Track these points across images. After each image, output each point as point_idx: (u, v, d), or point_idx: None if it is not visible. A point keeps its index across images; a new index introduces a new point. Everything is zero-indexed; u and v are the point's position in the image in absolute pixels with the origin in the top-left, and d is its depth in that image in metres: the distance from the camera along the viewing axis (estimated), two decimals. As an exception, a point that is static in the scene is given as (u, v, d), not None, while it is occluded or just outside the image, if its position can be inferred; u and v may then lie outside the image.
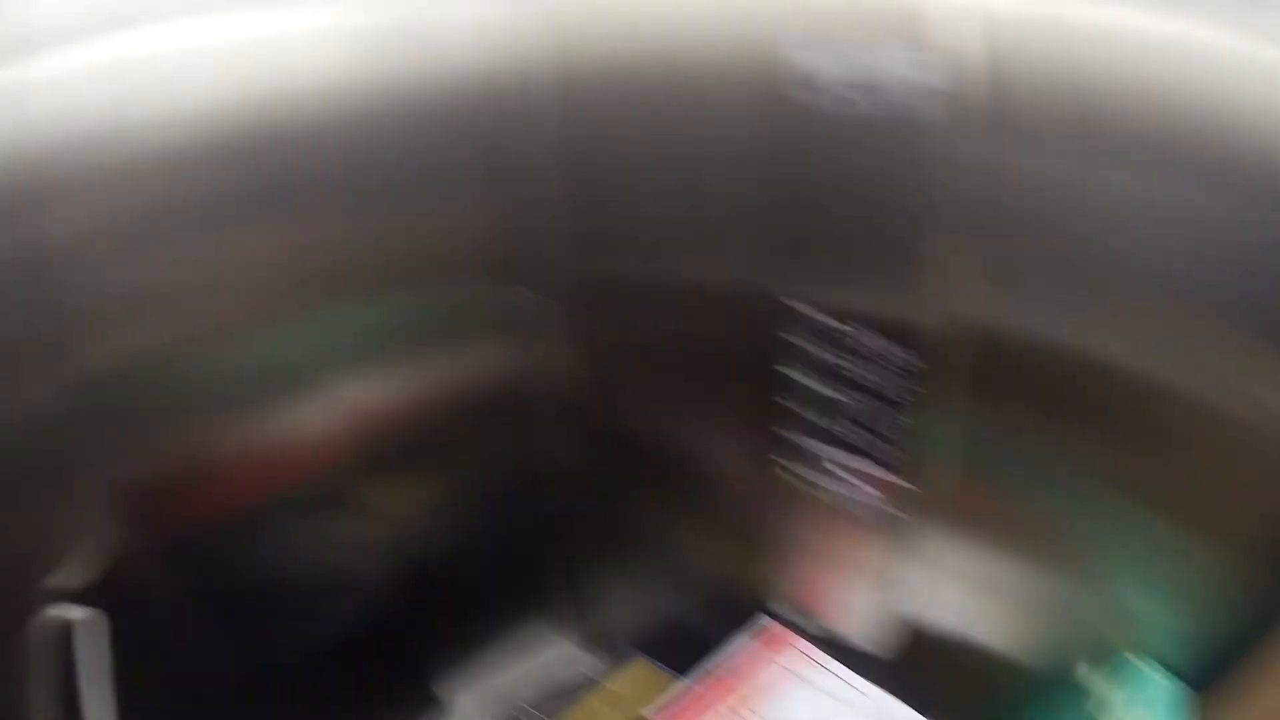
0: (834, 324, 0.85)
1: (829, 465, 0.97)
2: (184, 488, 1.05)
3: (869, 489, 0.94)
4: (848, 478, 0.95)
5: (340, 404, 1.12)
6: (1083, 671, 0.93)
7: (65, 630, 0.93)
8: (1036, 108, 0.69)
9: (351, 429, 1.14)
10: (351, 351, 1.09)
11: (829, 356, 0.87)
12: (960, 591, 0.98)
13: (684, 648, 1.32)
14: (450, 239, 1.10)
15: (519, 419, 1.34)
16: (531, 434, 1.38)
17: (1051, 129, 0.69)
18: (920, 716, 0.99)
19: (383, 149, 0.98)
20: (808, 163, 0.81)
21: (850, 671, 1.05)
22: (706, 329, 1.01)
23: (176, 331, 0.99)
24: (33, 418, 0.89)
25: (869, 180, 0.79)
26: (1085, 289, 0.74)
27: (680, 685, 1.16)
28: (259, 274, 1.00)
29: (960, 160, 0.73)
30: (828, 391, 0.91)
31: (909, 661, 1.04)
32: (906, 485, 0.89)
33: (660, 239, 1.02)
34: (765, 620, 1.16)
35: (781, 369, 0.93)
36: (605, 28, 0.98)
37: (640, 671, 1.33)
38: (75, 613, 0.93)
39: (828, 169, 0.80)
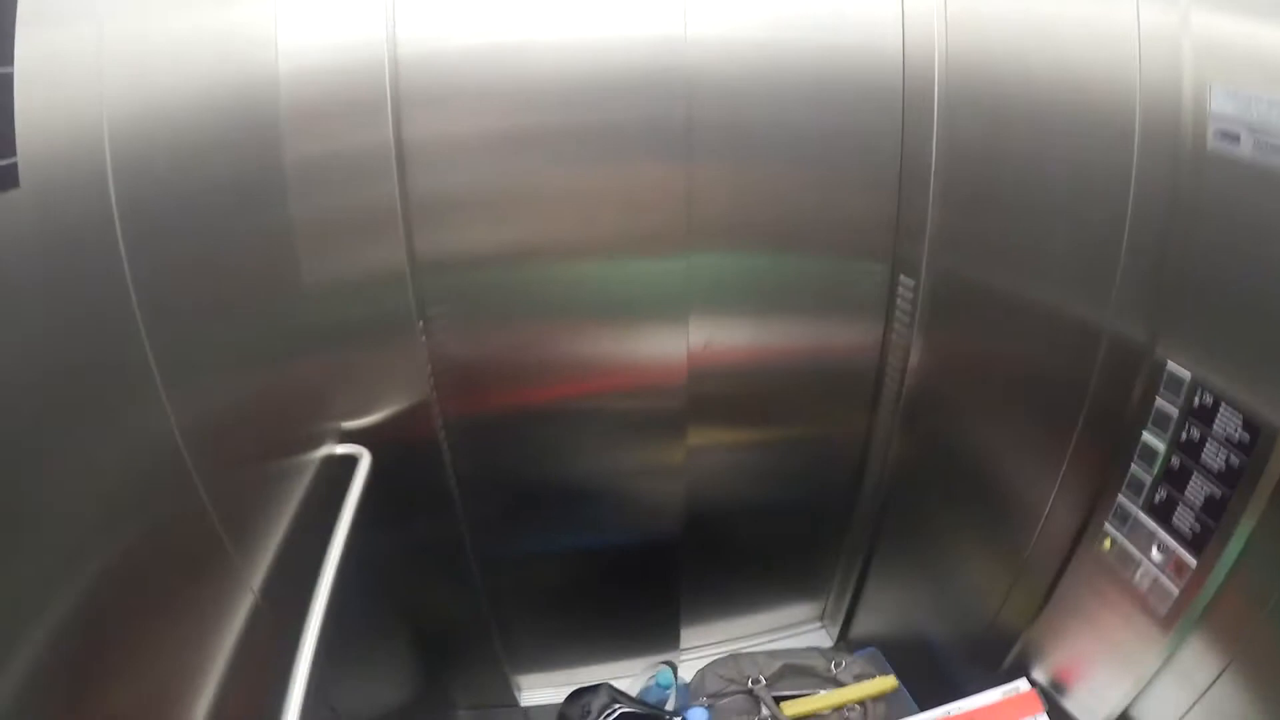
0: (1209, 396, 0.80)
1: (1150, 541, 0.91)
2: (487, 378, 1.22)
3: (1174, 578, 0.87)
4: (1161, 559, 0.89)
5: (685, 339, 1.25)
6: None
7: (343, 463, 1.04)
8: None
9: (694, 366, 1.28)
10: (725, 295, 1.23)
11: (1192, 429, 0.83)
12: (1182, 698, 0.85)
13: (930, 677, 1.30)
14: (841, 218, 1.21)
15: (861, 397, 1.43)
16: (871, 414, 1.45)
17: None
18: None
19: (806, 121, 1.12)
20: (1217, 216, 0.77)
21: None
22: (1060, 360, 0.99)
23: (532, 238, 1.12)
24: (382, 279, 1.04)
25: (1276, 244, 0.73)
26: None
27: (918, 715, 1.16)
28: (651, 206, 1.13)
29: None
30: (1177, 463, 0.86)
31: None
32: (1207, 585, 0.80)
33: (1032, 257, 1.02)
34: (1022, 683, 1.10)
35: (1139, 430, 0.89)
36: (1000, 39, 1.01)
37: (881, 685, 1.35)
38: (354, 449, 1.06)
39: (1234, 226, 0.76)
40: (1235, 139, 0.71)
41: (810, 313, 1.32)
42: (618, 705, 1.31)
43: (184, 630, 0.64)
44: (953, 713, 1.16)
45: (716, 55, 1.07)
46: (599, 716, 1.29)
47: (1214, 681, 0.84)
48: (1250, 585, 0.78)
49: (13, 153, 0.45)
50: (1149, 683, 0.94)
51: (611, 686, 1.38)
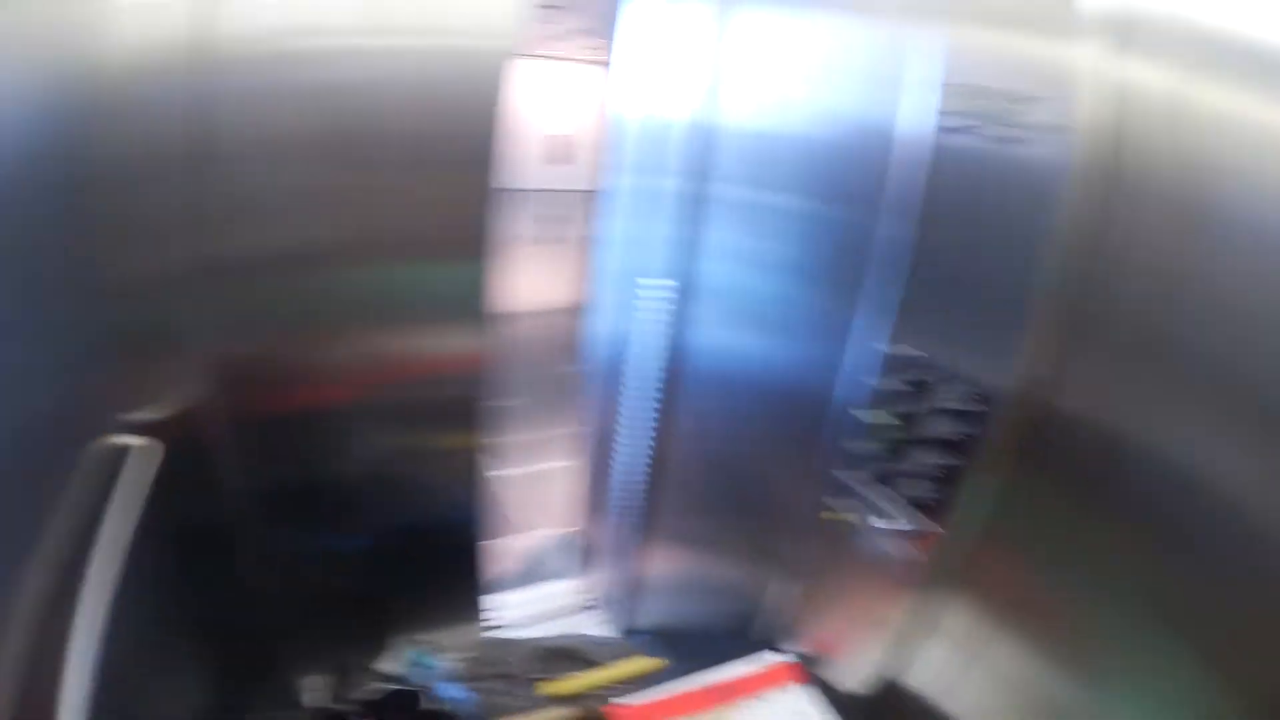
0: (919, 370, 0.90)
1: (879, 511, 0.98)
2: (275, 377, 1.15)
3: (909, 542, 0.94)
4: (893, 527, 0.97)
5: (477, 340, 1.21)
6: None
7: (122, 455, 0.95)
8: (1155, 188, 0.71)
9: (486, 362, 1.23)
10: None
11: (908, 403, 0.91)
12: (954, 659, 0.94)
13: (710, 662, 1.33)
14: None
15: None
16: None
17: (1166, 210, 0.70)
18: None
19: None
20: (936, 205, 0.88)
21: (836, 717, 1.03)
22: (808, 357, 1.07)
23: (323, 241, 1.06)
24: (170, 279, 1.00)
25: (990, 231, 0.84)
26: (1169, 382, 0.72)
27: (672, 685, 1.19)
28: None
29: (1074, 226, 0.77)
30: (898, 436, 0.94)
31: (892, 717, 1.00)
32: (944, 544, 0.88)
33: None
34: (783, 655, 1.16)
35: (851, 409, 0.98)
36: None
37: (642, 665, 1.36)
38: (137, 440, 0.96)
39: (952, 216, 0.86)
40: (965, 134, 0.81)
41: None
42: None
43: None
44: (713, 681, 1.20)
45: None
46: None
47: (973, 639, 0.93)
48: (1000, 545, 0.87)
49: None
50: (908, 646, 1.03)
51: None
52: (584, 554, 1.80)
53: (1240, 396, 0.67)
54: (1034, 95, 0.76)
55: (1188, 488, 0.70)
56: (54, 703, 0.68)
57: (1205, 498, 0.68)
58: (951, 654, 1.00)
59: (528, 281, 2.85)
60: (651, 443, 1.45)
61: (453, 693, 1.24)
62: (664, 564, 1.56)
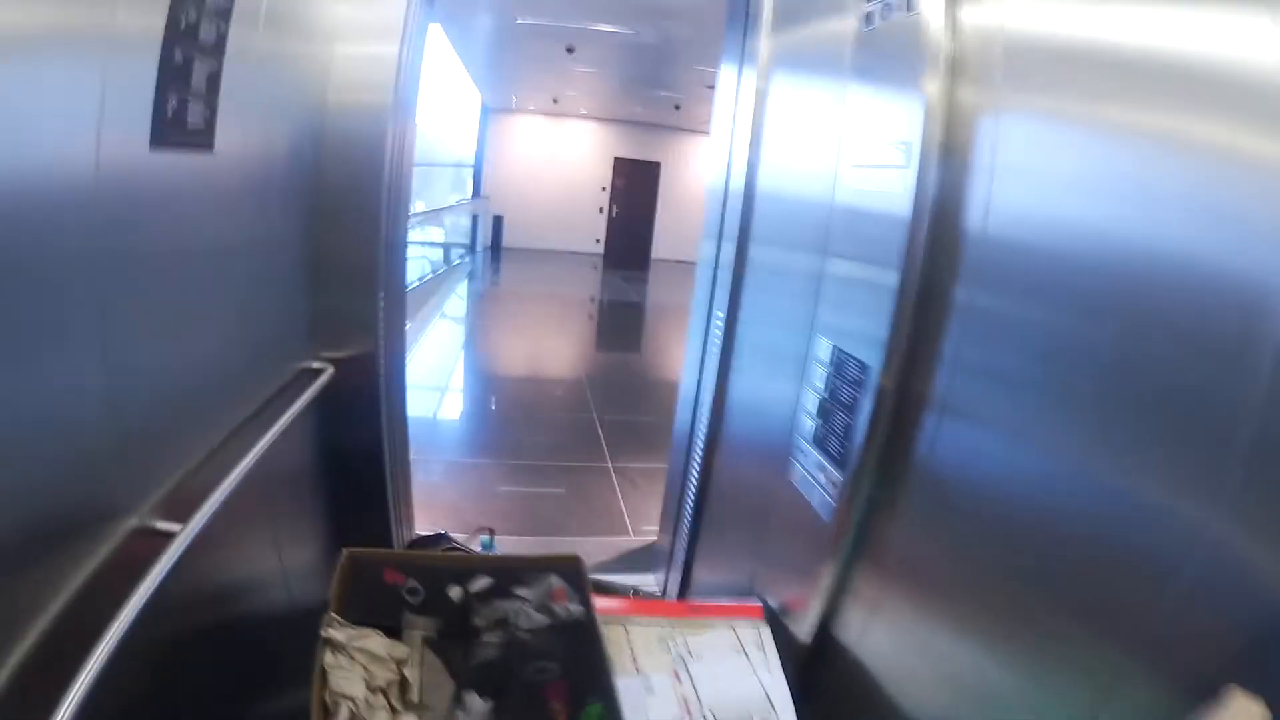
0: (841, 352, 1.29)
1: (817, 468, 1.34)
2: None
3: (832, 494, 1.28)
4: (824, 480, 1.31)
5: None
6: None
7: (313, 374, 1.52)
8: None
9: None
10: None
11: (833, 379, 1.30)
12: (864, 615, 1.25)
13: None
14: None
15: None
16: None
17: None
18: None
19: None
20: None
21: (774, 653, 1.38)
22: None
23: None
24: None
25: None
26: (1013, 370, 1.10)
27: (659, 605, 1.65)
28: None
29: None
30: (827, 404, 1.31)
31: (812, 663, 1.36)
32: (854, 509, 1.21)
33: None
34: (750, 599, 1.53)
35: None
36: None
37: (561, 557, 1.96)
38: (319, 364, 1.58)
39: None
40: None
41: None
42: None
43: None
44: (690, 605, 1.58)
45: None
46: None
47: (879, 599, 1.19)
48: (896, 511, 1.14)
49: None
50: (836, 598, 1.29)
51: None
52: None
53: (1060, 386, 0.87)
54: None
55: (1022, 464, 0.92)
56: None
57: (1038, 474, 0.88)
58: (864, 611, 1.23)
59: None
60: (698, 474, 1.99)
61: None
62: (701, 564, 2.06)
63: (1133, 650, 0.76)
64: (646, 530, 2.77)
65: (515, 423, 4.23)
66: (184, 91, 1.00)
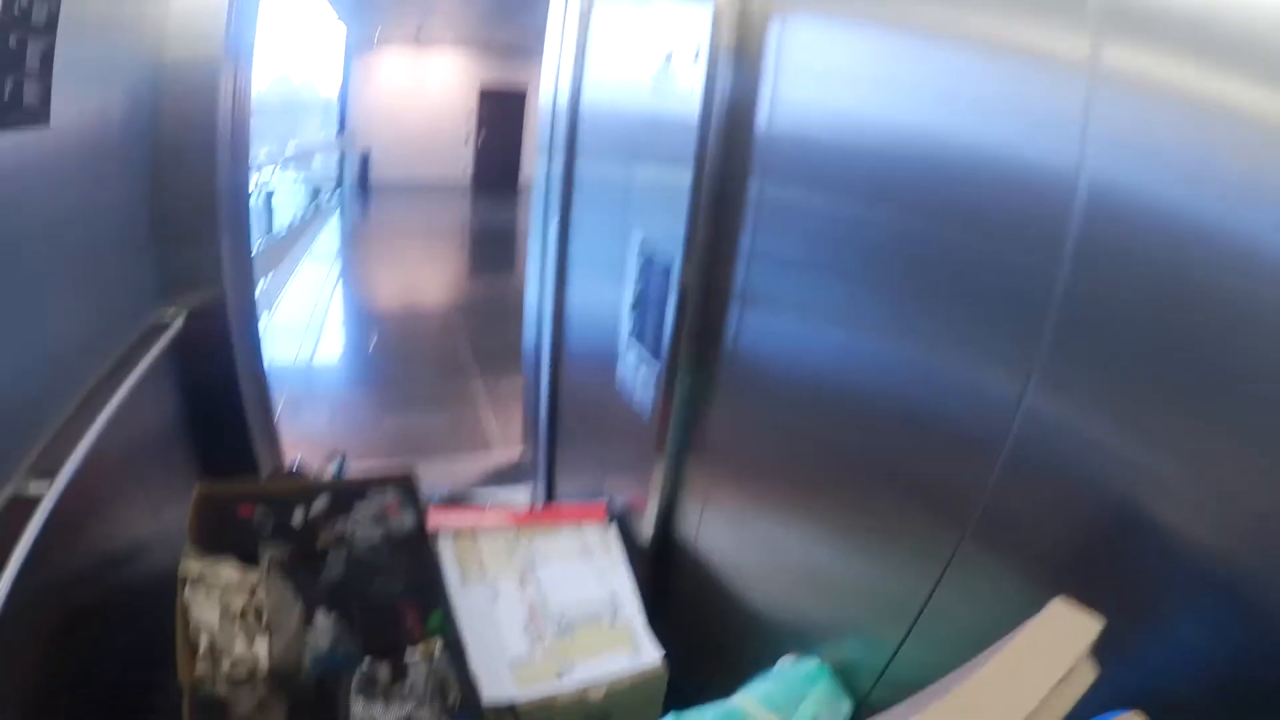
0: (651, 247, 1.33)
1: (637, 359, 1.40)
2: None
3: (651, 389, 1.34)
4: (642, 374, 1.38)
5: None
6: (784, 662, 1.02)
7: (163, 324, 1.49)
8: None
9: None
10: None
11: (646, 275, 1.35)
12: (697, 508, 1.32)
13: None
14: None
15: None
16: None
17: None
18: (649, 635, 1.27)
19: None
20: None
21: (620, 553, 1.43)
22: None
23: None
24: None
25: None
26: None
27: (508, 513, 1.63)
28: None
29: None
30: (641, 298, 1.37)
31: (657, 560, 1.43)
32: (683, 395, 1.27)
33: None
34: (598, 502, 1.60)
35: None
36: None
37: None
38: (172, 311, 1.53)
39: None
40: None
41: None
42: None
43: None
44: (538, 513, 1.60)
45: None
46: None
47: (708, 490, 1.25)
48: (719, 409, 1.21)
49: None
50: (670, 494, 1.34)
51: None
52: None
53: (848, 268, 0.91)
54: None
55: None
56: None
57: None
58: (698, 505, 1.30)
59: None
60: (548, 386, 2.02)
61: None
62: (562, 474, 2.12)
63: (964, 526, 0.74)
64: (518, 446, 2.84)
65: (392, 356, 4.23)
66: (18, 74, 0.99)
